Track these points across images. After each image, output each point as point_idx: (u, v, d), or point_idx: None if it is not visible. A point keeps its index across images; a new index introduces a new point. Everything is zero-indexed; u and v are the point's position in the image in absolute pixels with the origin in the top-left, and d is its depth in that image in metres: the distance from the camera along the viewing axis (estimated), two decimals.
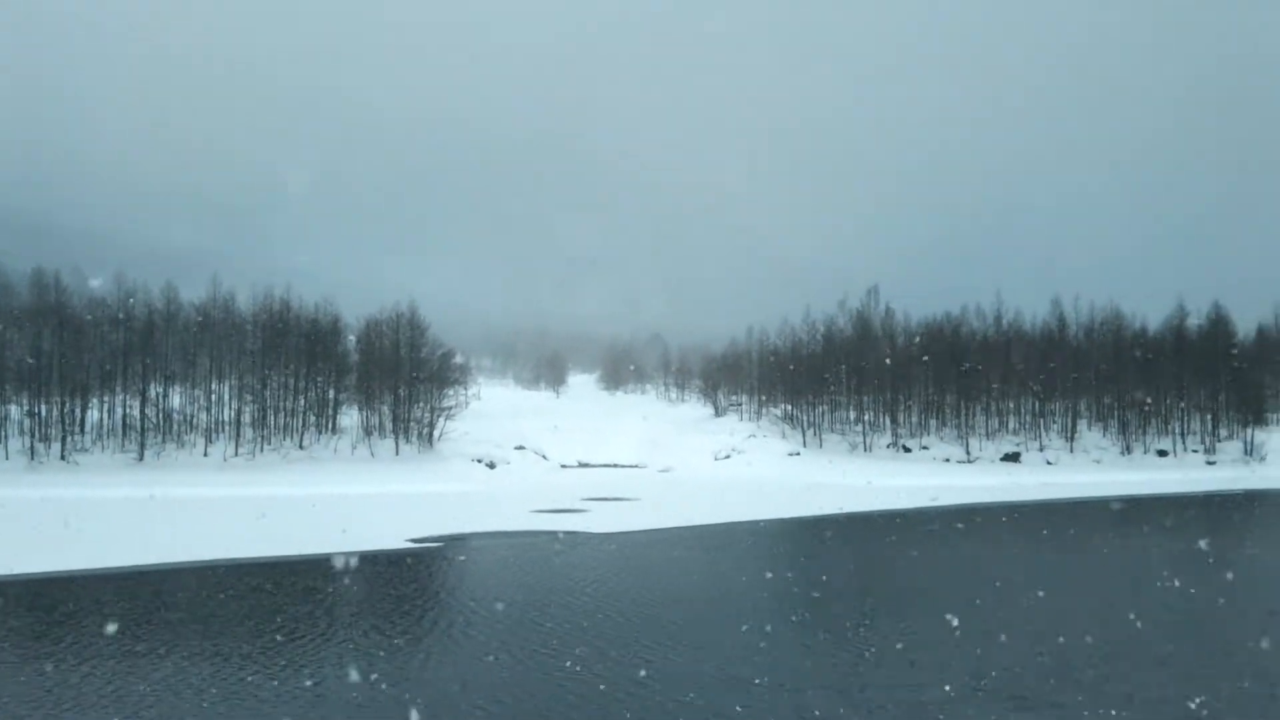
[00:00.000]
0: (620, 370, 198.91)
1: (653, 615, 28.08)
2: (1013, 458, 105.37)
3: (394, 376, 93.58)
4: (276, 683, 20.73)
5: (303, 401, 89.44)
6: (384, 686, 20.36)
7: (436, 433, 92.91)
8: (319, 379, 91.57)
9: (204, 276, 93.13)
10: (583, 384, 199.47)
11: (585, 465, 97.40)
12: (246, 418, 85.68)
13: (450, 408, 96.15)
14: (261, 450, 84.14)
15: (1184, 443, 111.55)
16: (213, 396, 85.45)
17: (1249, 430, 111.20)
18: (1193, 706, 18.62)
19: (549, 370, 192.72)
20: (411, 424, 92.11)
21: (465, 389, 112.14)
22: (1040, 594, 30.94)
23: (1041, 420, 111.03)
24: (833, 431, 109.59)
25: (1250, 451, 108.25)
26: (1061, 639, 24.54)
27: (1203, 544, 43.63)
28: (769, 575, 35.79)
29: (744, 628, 25.81)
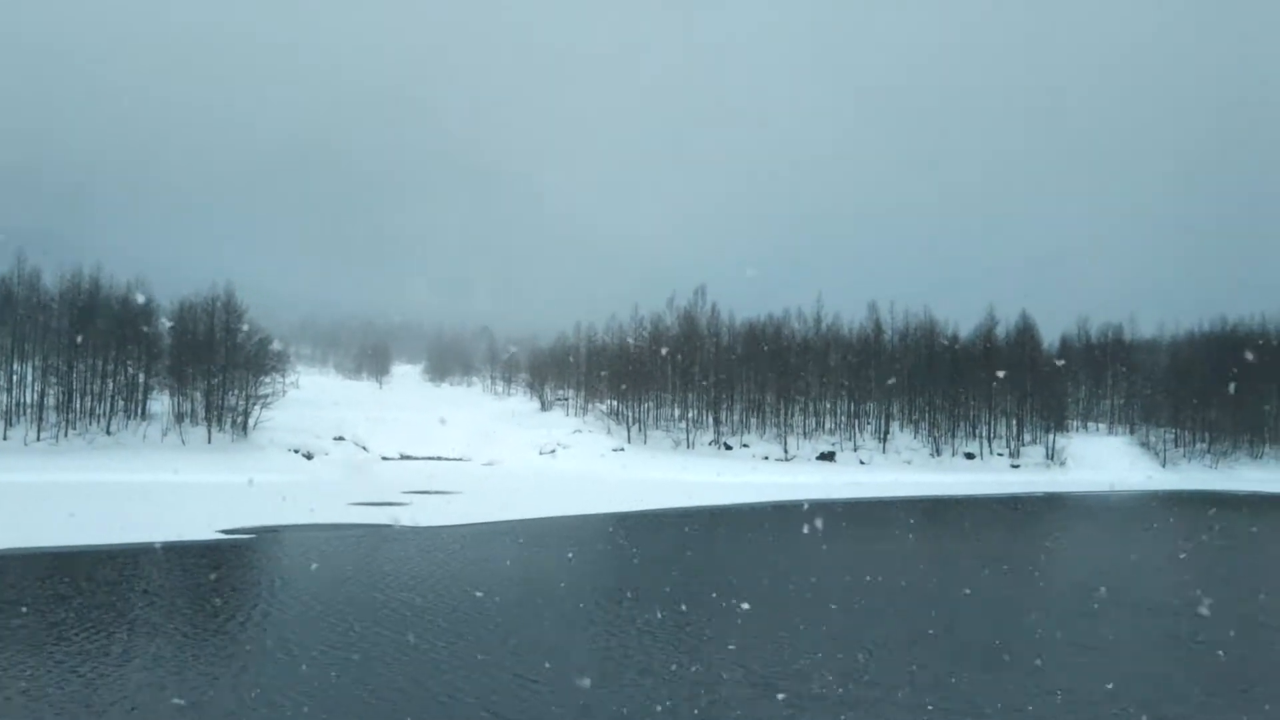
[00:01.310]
0: (446, 362, 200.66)
1: (458, 610, 30.02)
2: (828, 457, 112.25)
3: (208, 362, 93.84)
4: (40, 685, 21.02)
5: (111, 385, 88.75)
6: (164, 690, 20.93)
7: (252, 421, 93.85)
8: (129, 362, 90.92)
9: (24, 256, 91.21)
10: (407, 375, 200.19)
11: (407, 458, 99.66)
12: (50, 400, 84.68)
13: (267, 396, 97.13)
14: (66, 435, 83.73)
15: (990, 446, 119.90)
16: (14, 377, 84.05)
17: (1051, 436, 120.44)
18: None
19: (372, 360, 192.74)
20: (226, 411, 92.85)
21: (283, 377, 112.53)
22: (814, 582, 34.95)
23: (856, 421, 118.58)
24: (657, 428, 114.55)
25: (1051, 456, 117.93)
26: (802, 627, 28.48)
27: (993, 541, 48.85)
28: (578, 571, 38.96)
29: (545, 623, 28.52)
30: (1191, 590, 35.73)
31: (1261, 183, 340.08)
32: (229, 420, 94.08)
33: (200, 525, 47.42)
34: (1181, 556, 47.47)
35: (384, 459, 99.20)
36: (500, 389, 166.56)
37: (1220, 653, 26.01)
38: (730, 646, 25.94)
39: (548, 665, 23.62)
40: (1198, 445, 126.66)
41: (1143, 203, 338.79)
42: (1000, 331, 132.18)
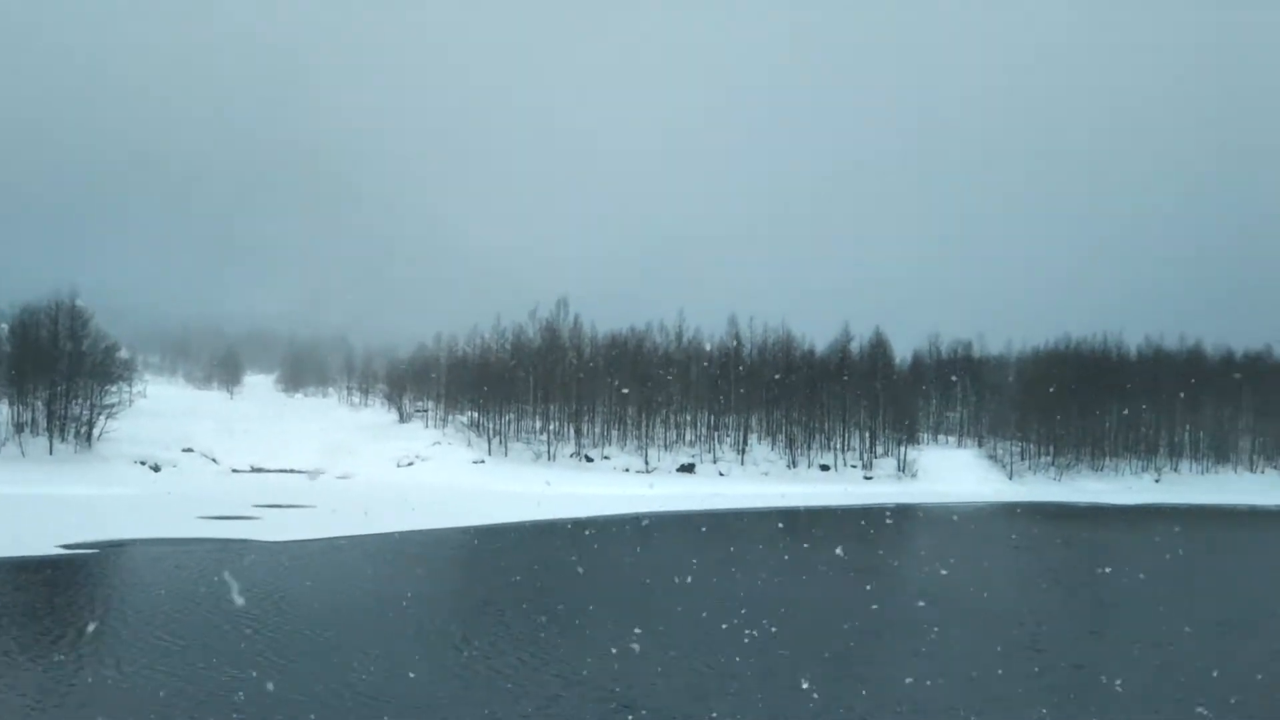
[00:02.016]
0: (301, 372, 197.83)
1: (298, 629, 30.25)
2: (688, 469, 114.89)
3: (50, 370, 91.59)
4: None
5: None
6: None
7: (97, 432, 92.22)
8: None
9: None
10: (260, 385, 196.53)
11: (259, 470, 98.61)
12: None
13: (113, 405, 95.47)
14: None
15: (844, 458, 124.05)
16: None
17: (902, 448, 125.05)
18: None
19: (223, 370, 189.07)
20: (69, 422, 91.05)
21: (130, 386, 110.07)
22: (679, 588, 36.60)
23: (716, 433, 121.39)
24: (518, 440, 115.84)
25: (903, 468, 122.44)
26: (662, 628, 30.20)
27: (839, 551, 51.41)
28: (429, 586, 39.60)
29: (390, 640, 29.07)
30: (1026, 598, 38.62)
31: (1103, 205, 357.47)
32: (73, 431, 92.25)
33: (40, 539, 46.91)
34: (1022, 566, 50.65)
35: (235, 471, 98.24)
36: (357, 400, 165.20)
37: (1048, 660, 28.30)
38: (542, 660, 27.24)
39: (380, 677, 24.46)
40: (1042, 458, 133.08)
41: (992, 224, 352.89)
42: (855, 347, 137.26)
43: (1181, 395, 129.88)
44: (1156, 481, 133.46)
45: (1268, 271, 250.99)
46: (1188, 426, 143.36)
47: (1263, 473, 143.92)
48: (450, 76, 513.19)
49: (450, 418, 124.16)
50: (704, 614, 32.86)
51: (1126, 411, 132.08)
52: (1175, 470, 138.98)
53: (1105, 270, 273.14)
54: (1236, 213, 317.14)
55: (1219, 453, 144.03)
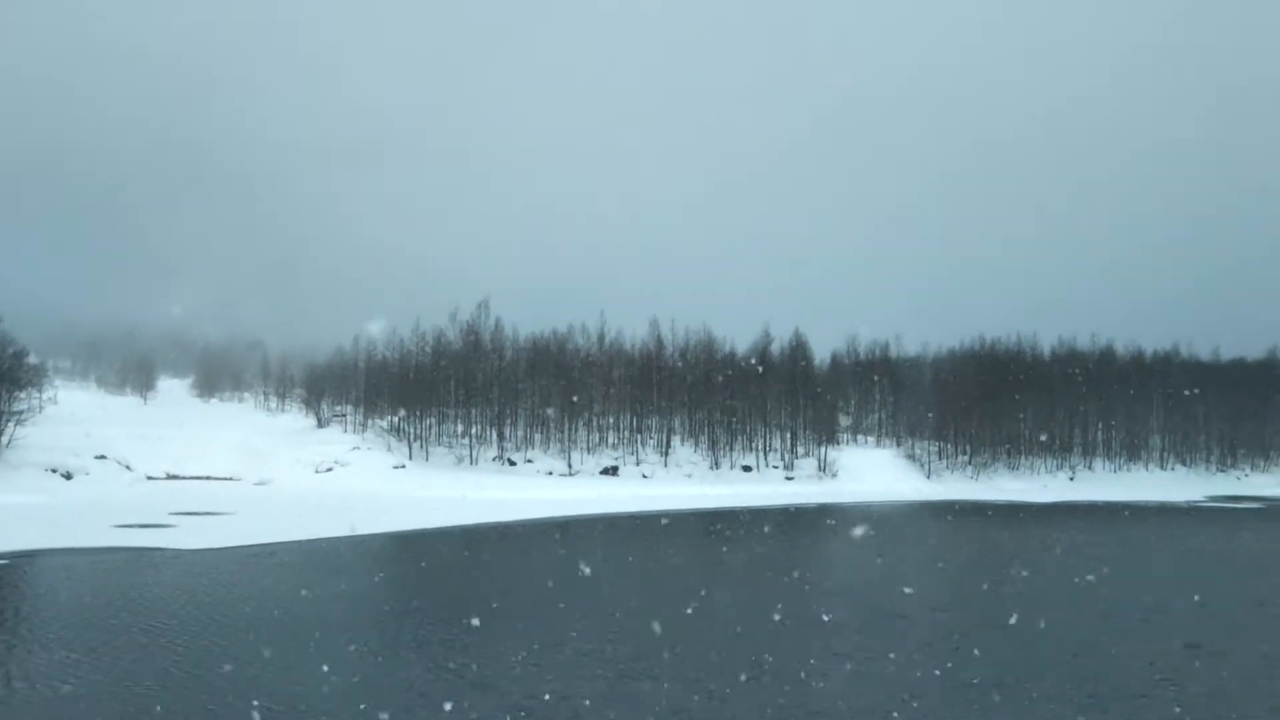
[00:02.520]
0: (216, 376, 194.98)
1: (204, 639, 30.66)
2: (611, 471, 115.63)
3: None
4: None
5: None
6: None
7: (5, 439, 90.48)
8: None
9: None
10: (174, 390, 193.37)
11: (174, 477, 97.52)
12: None
13: (21, 412, 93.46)
14: None
15: (766, 459, 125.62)
16: None
17: (823, 449, 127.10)
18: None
19: (136, 374, 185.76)
20: None
21: (40, 392, 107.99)
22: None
23: (639, 436, 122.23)
24: (439, 445, 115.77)
25: (824, 468, 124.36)
26: (574, 633, 31.11)
27: (758, 550, 52.42)
28: (345, 593, 40.02)
29: (295, 647, 29.42)
30: (941, 596, 39.95)
31: (1018, 210, 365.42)
32: None
33: None
34: (940, 565, 52.18)
35: (149, 478, 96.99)
36: (274, 405, 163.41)
37: (959, 653, 29.44)
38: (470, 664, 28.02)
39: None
40: (959, 457, 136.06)
41: (908, 225, 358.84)
42: (775, 348, 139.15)
43: (1082, 391, 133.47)
44: (1071, 480, 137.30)
45: (1176, 273, 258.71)
46: (1100, 425, 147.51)
47: (1173, 469, 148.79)
48: (367, 75, 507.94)
49: (370, 422, 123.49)
50: (617, 614, 33.65)
51: (1063, 418, 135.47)
52: (1089, 468, 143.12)
53: (1019, 272, 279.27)
54: (1147, 216, 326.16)
55: (1131, 451, 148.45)
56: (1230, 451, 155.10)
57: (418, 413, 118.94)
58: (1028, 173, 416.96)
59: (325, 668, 26.16)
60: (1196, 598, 40.83)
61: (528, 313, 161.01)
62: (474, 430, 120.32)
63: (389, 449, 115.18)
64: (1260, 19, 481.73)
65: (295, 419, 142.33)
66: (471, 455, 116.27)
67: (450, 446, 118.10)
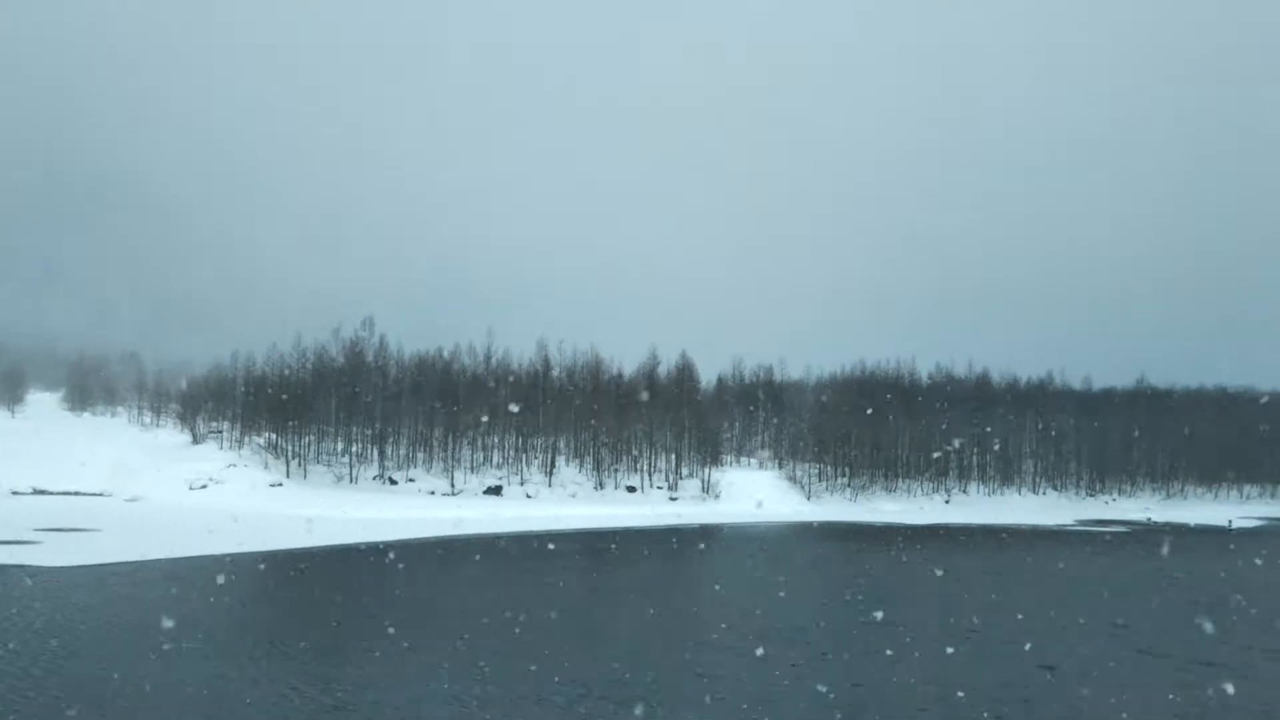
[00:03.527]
0: (89, 390, 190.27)
1: (54, 658, 30.43)
2: (495, 491, 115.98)
3: None
4: None
5: None
6: None
7: None
8: None
9: None
10: (45, 403, 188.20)
11: (42, 492, 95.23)
12: None
13: None
14: None
15: (651, 480, 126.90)
16: None
17: (707, 470, 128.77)
18: None
19: (4, 386, 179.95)
20: None
21: None
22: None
23: (524, 455, 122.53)
24: (319, 462, 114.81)
25: (707, 489, 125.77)
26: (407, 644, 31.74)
27: (641, 572, 53.05)
28: (207, 614, 39.46)
29: (143, 666, 29.43)
30: (813, 615, 41.36)
31: (899, 237, 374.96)
32: None
33: None
34: (812, 587, 53.66)
35: (14, 493, 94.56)
36: (149, 420, 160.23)
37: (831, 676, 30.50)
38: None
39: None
40: (839, 479, 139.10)
41: (792, 251, 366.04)
42: (662, 370, 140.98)
43: (957, 416, 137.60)
44: (946, 502, 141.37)
45: (1051, 306, 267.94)
46: (975, 449, 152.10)
47: (1044, 494, 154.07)
48: (245, 90, 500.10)
49: (247, 439, 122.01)
50: (483, 637, 34.30)
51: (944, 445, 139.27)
52: (964, 492, 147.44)
53: (899, 298, 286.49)
54: (1020, 247, 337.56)
55: (1005, 475, 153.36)
56: (1099, 477, 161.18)
57: (297, 430, 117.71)
58: (906, 201, 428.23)
59: (147, 687, 26.50)
60: (1054, 618, 42.80)
61: (414, 331, 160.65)
62: (354, 448, 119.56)
63: (266, 466, 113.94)
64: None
65: (170, 434, 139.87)
66: (351, 474, 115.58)
67: (330, 464, 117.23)
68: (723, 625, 38.87)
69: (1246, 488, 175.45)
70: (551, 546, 72.66)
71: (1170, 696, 29.10)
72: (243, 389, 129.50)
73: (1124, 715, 26.67)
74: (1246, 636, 39.38)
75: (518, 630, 36.30)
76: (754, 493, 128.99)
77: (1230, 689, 28.70)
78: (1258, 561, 74.17)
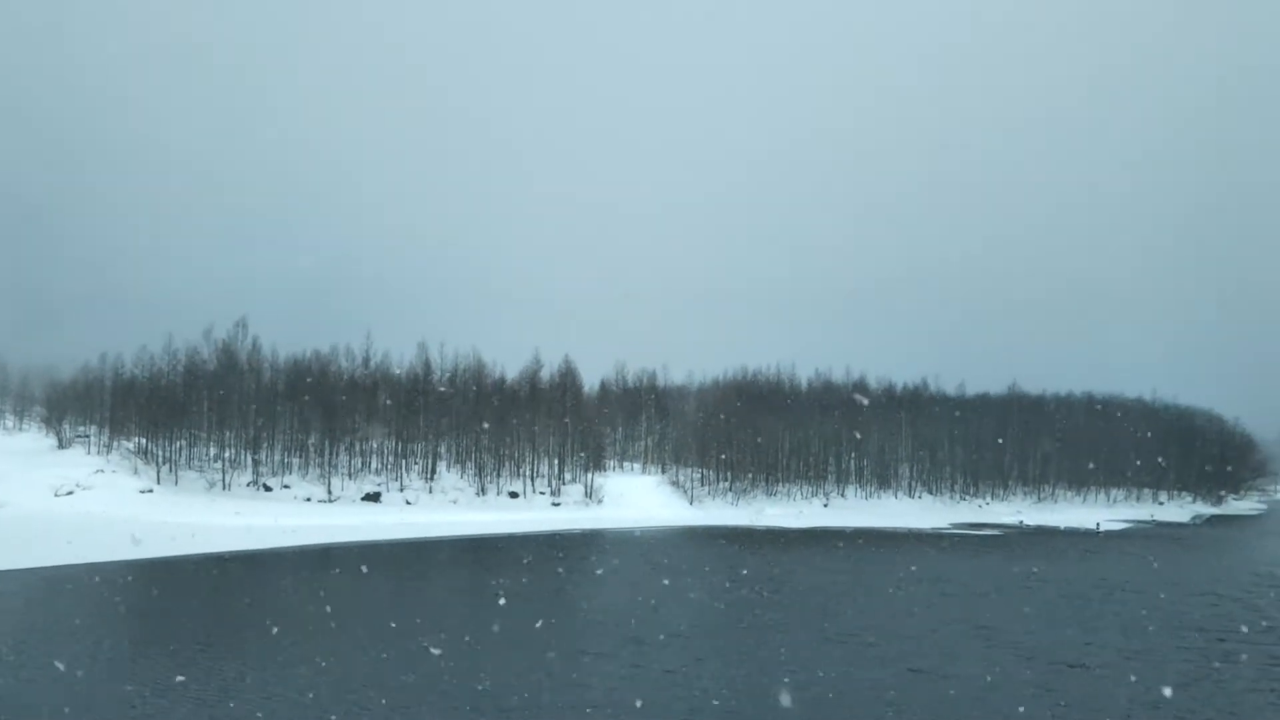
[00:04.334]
0: None
1: None
2: (374, 497, 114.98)
3: None
4: None
5: None
6: None
7: None
8: None
9: None
10: None
11: None
12: None
13: None
14: None
15: (534, 485, 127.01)
16: None
17: (590, 475, 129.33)
18: None
19: None
20: None
21: None
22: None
23: (404, 461, 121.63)
24: (190, 468, 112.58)
25: (590, 494, 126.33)
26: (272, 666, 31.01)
27: (523, 579, 53.19)
28: (67, 624, 39.09)
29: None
30: (683, 620, 42.09)
31: (779, 245, 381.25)
32: None
33: None
34: (690, 591, 54.41)
35: None
36: (11, 424, 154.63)
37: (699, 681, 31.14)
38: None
39: None
40: (721, 484, 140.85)
41: (676, 254, 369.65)
42: (545, 374, 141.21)
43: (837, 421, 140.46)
44: (825, 506, 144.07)
45: (928, 312, 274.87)
46: (853, 454, 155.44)
47: (920, 498, 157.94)
48: (114, 83, 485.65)
49: (116, 444, 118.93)
50: (348, 649, 34.30)
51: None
52: (842, 495, 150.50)
53: (782, 305, 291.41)
54: (902, 254, 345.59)
55: (882, 479, 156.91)
56: (973, 481, 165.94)
57: (168, 435, 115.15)
58: (788, 208, 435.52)
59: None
60: (926, 620, 44.22)
61: (292, 335, 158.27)
62: (228, 454, 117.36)
63: (136, 472, 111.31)
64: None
65: (34, 438, 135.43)
66: (225, 480, 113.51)
67: (202, 470, 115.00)
68: (601, 632, 39.43)
69: (1114, 491, 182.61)
70: (429, 554, 72.54)
71: (1033, 695, 30.30)
72: (111, 392, 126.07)
73: (989, 716, 27.71)
74: (1108, 637, 41.14)
75: (387, 640, 36.31)
76: (637, 498, 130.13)
77: (1092, 689, 30.14)
78: (1122, 564, 77.43)
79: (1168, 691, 30.26)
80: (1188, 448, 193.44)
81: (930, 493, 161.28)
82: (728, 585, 58.76)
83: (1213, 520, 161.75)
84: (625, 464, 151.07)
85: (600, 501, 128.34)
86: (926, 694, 30.47)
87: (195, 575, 58.97)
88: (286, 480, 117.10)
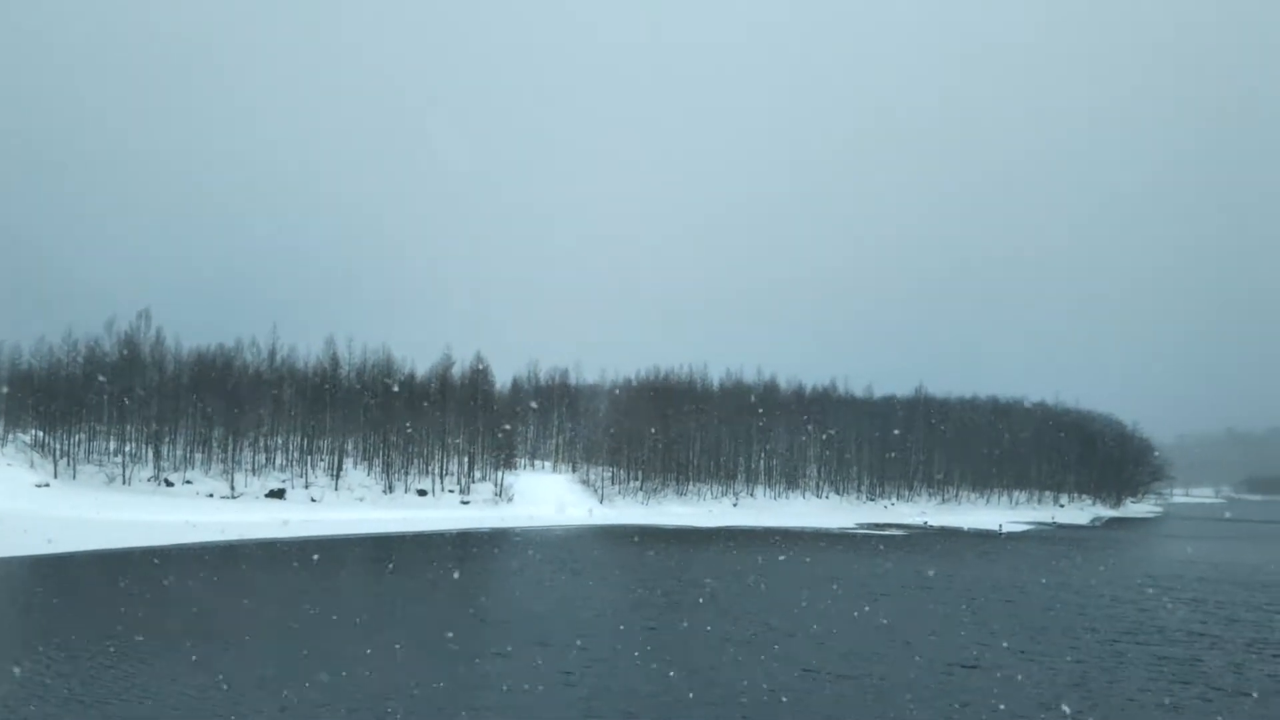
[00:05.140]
0: None
1: None
2: (278, 494, 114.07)
3: None
4: None
5: None
6: None
7: None
8: None
9: None
10: None
11: None
12: None
13: None
14: None
15: (442, 483, 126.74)
16: None
17: (500, 473, 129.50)
18: None
19: None
20: None
21: None
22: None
23: (309, 457, 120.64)
24: (90, 462, 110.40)
25: (500, 492, 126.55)
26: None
27: (428, 577, 52.96)
28: None
29: None
30: (582, 621, 42.63)
31: (692, 247, 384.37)
32: None
33: None
34: (596, 595, 54.85)
35: None
36: None
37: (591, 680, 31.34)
38: None
39: None
40: (631, 483, 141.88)
41: (592, 253, 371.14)
42: (456, 371, 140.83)
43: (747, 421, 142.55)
44: (734, 505, 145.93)
45: (837, 314, 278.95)
46: (763, 454, 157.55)
47: (827, 498, 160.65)
48: (15, 72, 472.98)
49: (11, 436, 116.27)
50: (248, 649, 34.27)
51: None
52: (751, 495, 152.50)
53: (692, 306, 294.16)
54: (811, 258, 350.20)
55: (790, 479, 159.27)
56: (879, 481, 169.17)
57: (66, 428, 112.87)
58: (699, 211, 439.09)
59: None
60: (828, 618, 45.15)
61: (197, 328, 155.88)
62: (129, 448, 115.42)
63: (31, 465, 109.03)
64: None
65: None
66: (125, 475, 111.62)
67: (101, 465, 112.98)
68: (502, 633, 39.58)
69: (1016, 493, 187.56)
70: (332, 553, 72.16)
71: (928, 695, 31.23)
72: (7, 383, 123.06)
73: (883, 717, 28.61)
74: (1003, 638, 42.40)
75: (280, 641, 36.18)
76: (547, 496, 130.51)
77: (985, 690, 31.23)
78: (1021, 565, 79.58)
79: (1058, 692, 31.49)
80: (1088, 451, 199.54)
81: (837, 493, 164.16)
82: (632, 586, 59.34)
83: (1111, 523, 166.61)
84: (536, 462, 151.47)
85: (510, 500, 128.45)
86: (822, 695, 31.05)
87: (86, 572, 58.09)
88: (189, 475, 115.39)
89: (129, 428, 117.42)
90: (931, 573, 71.89)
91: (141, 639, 35.28)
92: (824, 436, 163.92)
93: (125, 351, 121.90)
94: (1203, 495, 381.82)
